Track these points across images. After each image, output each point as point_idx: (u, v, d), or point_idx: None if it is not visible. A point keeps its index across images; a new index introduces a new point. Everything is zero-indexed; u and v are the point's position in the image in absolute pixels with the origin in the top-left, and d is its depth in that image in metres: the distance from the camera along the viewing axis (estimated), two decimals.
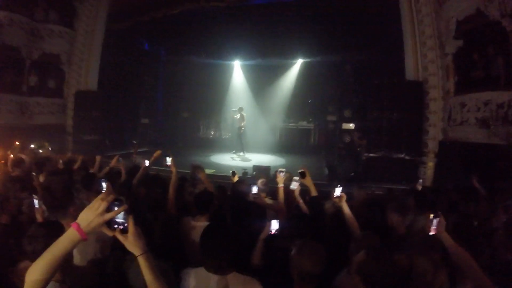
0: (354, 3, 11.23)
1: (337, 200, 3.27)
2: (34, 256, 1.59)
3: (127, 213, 1.58)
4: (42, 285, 1.45)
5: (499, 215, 3.86)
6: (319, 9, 12.15)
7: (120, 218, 1.55)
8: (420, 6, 9.09)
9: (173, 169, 4.31)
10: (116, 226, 1.56)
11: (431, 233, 2.52)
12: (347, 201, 4.04)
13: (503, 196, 4.43)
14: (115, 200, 1.51)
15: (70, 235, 1.47)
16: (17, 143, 7.38)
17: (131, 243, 1.61)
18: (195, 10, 12.49)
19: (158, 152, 5.22)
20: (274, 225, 2.98)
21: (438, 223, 2.51)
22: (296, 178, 3.98)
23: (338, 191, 3.33)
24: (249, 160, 12.20)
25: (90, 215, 1.47)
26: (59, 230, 1.79)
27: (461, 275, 2.32)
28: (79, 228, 1.46)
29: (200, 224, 3.24)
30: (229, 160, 12.29)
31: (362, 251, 2.18)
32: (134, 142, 12.39)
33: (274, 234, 2.96)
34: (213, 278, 2.24)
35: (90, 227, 1.47)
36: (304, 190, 4.07)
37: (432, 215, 2.55)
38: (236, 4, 12.33)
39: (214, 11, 12.55)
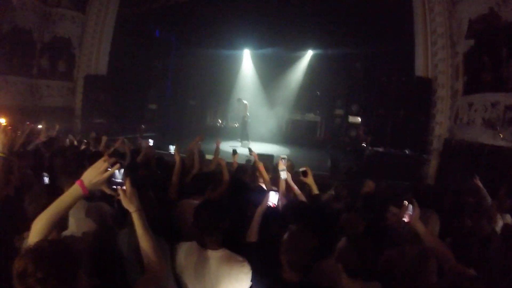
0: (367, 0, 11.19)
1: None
2: (35, 216, 1.71)
3: (125, 175, 1.79)
4: (45, 233, 1.63)
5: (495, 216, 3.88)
6: (332, 2, 12.09)
7: (119, 179, 1.78)
8: (433, 5, 9.04)
9: (177, 158, 4.34)
10: (114, 186, 1.82)
11: (405, 220, 2.55)
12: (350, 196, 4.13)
13: (504, 198, 4.43)
14: (115, 162, 1.74)
15: (73, 190, 1.68)
16: (28, 123, 7.51)
17: (127, 201, 1.81)
18: None
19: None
20: (273, 197, 3.02)
21: (413, 212, 2.52)
22: (283, 167, 3.98)
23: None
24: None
25: (92, 173, 1.68)
26: (59, 192, 1.90)
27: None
28: (82, 184, 1.66)
29: (196, 202, 3.32)
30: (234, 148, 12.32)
31: (343, 238, 2.22)
32: (143, 126, 12.49)
33: (273, 207, 2.99)
34: (203, 252, 2.34)
35: (92, 184, 1.68)
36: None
37: (406, 202, 2.57)
38: None
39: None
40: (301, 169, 4.00)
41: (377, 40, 12.37)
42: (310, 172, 3.97)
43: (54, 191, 2.16)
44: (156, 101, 15.66)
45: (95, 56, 11.94)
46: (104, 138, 6.52)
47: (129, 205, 1.82)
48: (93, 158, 4.33)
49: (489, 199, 4.61)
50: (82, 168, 2.96)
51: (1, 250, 2.23)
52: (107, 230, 2.59)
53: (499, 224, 3.84)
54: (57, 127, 7.97)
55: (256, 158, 4.72)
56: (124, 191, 1.80)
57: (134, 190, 1.84)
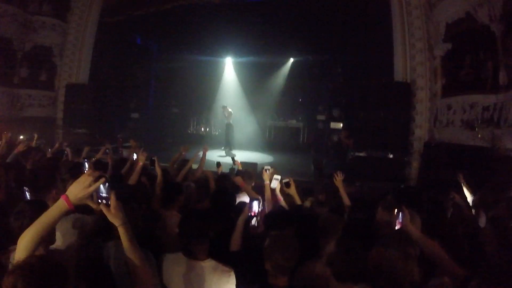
0: (346, 4, 11.35)
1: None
2: (21, 232, 1.71)
3: (110, 189, 1.79)
4: (32, 248, 1.63)
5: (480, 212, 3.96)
6: (310, 8, 12.22)
7: (104, 193, 1.77)
8: (411, 9, 9.20)
9: (158, 170, 4.39)
10: (100, 200, 1.79)
11: (396, 227, 2.61)
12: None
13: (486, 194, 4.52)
14: (99, 176, 1.73)
15: (59, 205, 1.67)
16: (6, 133, 7.35)
17: (113, 215, 1.80)
18: (188, 6, 12.48)
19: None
20: (255, 206, 3.02)
21: (403, 217, 2.59)
22: (277, 176, 4.12)
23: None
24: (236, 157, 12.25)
25: (77, 188, 1.67)
26: (44, 208, 1.91)
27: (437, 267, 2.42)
28: (67, 199, 1.65)
29: (170, 213, 3.42)
30: (217, 157, 12.31)
31: (332, 242, 2.25)
32: (119, 136, 12.35)
33: (254, 216, 3.00)
34: (190, 263, 2.35)
35: (77, 198, 1.67)
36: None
37: (396, 210, 2.65)
38: (230, 1, 12.36)
39: (207, 8, 12.55)
40: (284, 181, 4.08)
41: (356, 45, 12.61)
42: (293, 183, 4.07)
43: (39, 206, 2.18)
44: (139, 109, 15.53)
45: (77, 64, 11.81)
46: (86, 149, 6.49)
47: (115, 219, 1.81)
48: (74, 169, 4.30)
49: (471, 195, 4.71)
50: (63, 181, 2.93)
51: None
52: (91, 243, 2.56)
53: (483, 219, 3.92)
54: (36, 136, 7.84)
55: (240, 167, 4.77)
56: (107, 206, 1.79)
57: (119, 203, 1.82)
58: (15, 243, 1.80)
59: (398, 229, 2.62)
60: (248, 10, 12.80)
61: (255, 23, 13.28)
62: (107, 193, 1.78)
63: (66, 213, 1.71)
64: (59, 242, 2.38)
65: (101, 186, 1.72)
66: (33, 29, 10.59)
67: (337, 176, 4.29)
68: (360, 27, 11.72)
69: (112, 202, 1.80)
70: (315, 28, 12.92)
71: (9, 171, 3.87)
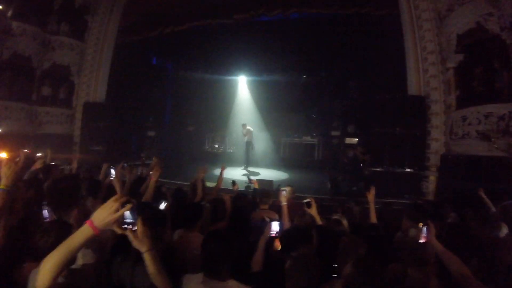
0: (358, 21, 11.48)
1: None
2: (42, 252, 1.71)
3: (136, 214, 1.75)
4: (56, 273, 1.59)
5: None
6: (323, 27, 12.40)
7: (129, 219, 1.74)
8: (422, 22, 9.26)
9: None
10: (125, 226, 1.75)
11: (421, 241, 2.58)
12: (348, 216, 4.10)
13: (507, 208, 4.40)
14: (127, 201, 1.67)
15: (84, 230, 1.62)
16: (24, 150, 7.50)
17: (140, 241, 1.81)
18: (203, 26, 12.83)
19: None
20: (275, 227, 3.01)
21: (428, 231, 2.58)
22: (284, 189, 4.11)
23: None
24: (257, 174, 12.27)
25: (103, 213, 1.63)
26: (68, 228, 1.98)
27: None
28: (92, 225, 1.61)
29: (192, 234, 3.35)
30: (234, 174, 12.32)
31: (349, 263, 2.20)
32: (142, 156, 12.53)
33: (275, 236, 2.99)
34: (212, 284, 2.31)
35: (103, 224, 1.62)
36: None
37: (421, 224, 2.63)
38: (243, 21, 12.63)
39: (221, 28, 12.86)
40: (305, 200, 3.97)
41: (369, 60, 12.63)
42: (314, 203, 3.95)
43: (64, 227, 2.22)
44: (155, 128, 15.76)
45: (94, 83, 12.12)
46: (105, 166, 6.45)
47: (141, 246, 1.82)
48: (92, 188, 4.35)
49: (493, 209, 4.60)
50: (83, 200, 2.95)
51: (2, 282, 2.23)
52: (111, 263, 2.55)
53: (504, 231, 3.81)
54: (49, 153, 7.95)
55: (256, 185, 4.73)
56: (134, 232, 1.78)
57: (146, 229, 1.82)
58: (32, 260, 1.83)
59: (420, 244, 2.59)
60: (261, 30, 13.06)
61: (268, 42, 13.48)
62: (133, 218, 1.75)
63: (92, 238, 1.66)
64: (80, 261, 2.37)
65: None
66: (51, 48, 10.94)
67: (371, 191, 4.23)
68: (373, 43, 11.77)
69: (139, 228, 1.79)
70: (328, 46, 13.06)
71: (29, 189, 3.92)
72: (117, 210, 1.63)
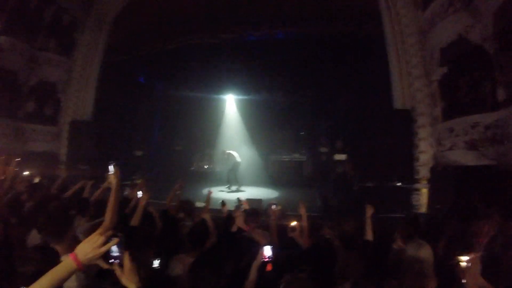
0: (343, 37, 11.73)
1: None
2: (22, 280, 1.65)
3: (123, 248, 1.68)
4: None
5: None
6: (309, 45, 12.63)
7: (116, 252, 1.67)
8: (405, 37, 9.46)
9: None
10: (112, 260, 1.69)
11: (463, 281, 2.09)
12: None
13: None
14: (112, 235, 1.61)
15: (67, 264, 1.55)
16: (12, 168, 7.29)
17: (127, 278, 1.73)
18: (190, 45, 12.98)
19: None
20: (267, 251, 2.95)
21: (471, 267, 2.09)
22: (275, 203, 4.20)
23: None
24: (243, 192, 12.20)
25: (88, 248, 1.56)
26: (53, 256, 1.88)
27: None
28: (76, 259, 1.54)
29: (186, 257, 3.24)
30: (222, 194, 12.20)
31: (347, 283, 2.14)
32: (134, 178, 12.35)
33: (267, 260, 2.93)
34: None
35: (87, 259, 1.55)
36: None
37: (460, 258, 2.14)
38: (230, 41, 12.81)
39: (209, 47, 13.03)
40: (291, 224, 3.89)
41: (356, 76, 12.85)
42: (299, 227, 3.90)
43: (47, 254, 2.14)
44: (142, 147, 15.60)
45: (81, 101, 12.00)
46: (90, 183, 6.33)
47: (129, 283, 1.73)
48: (79, 205, 4.24)
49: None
50: (69, 226, 2.82)
51: None
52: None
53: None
54: (34, 173, 7.71)
55: (246, 205, 4.76)
56: (121, 266, 1.71)
57: (134, 265, 1.74)
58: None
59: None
60: (248, 49, 13.25)
61: (255, 62, 13.68)
62: (119, 251, 1.68)
63: (74, 272, 1.59)
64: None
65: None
66: (39, 65, 10.79)
67: (368, 208, 4.20)
68: (358, 59, 12.02)
69: (126, 264, 1.72)
70: (314, 64, 13.28)
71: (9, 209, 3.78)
72: (101, 245, 1.56)
